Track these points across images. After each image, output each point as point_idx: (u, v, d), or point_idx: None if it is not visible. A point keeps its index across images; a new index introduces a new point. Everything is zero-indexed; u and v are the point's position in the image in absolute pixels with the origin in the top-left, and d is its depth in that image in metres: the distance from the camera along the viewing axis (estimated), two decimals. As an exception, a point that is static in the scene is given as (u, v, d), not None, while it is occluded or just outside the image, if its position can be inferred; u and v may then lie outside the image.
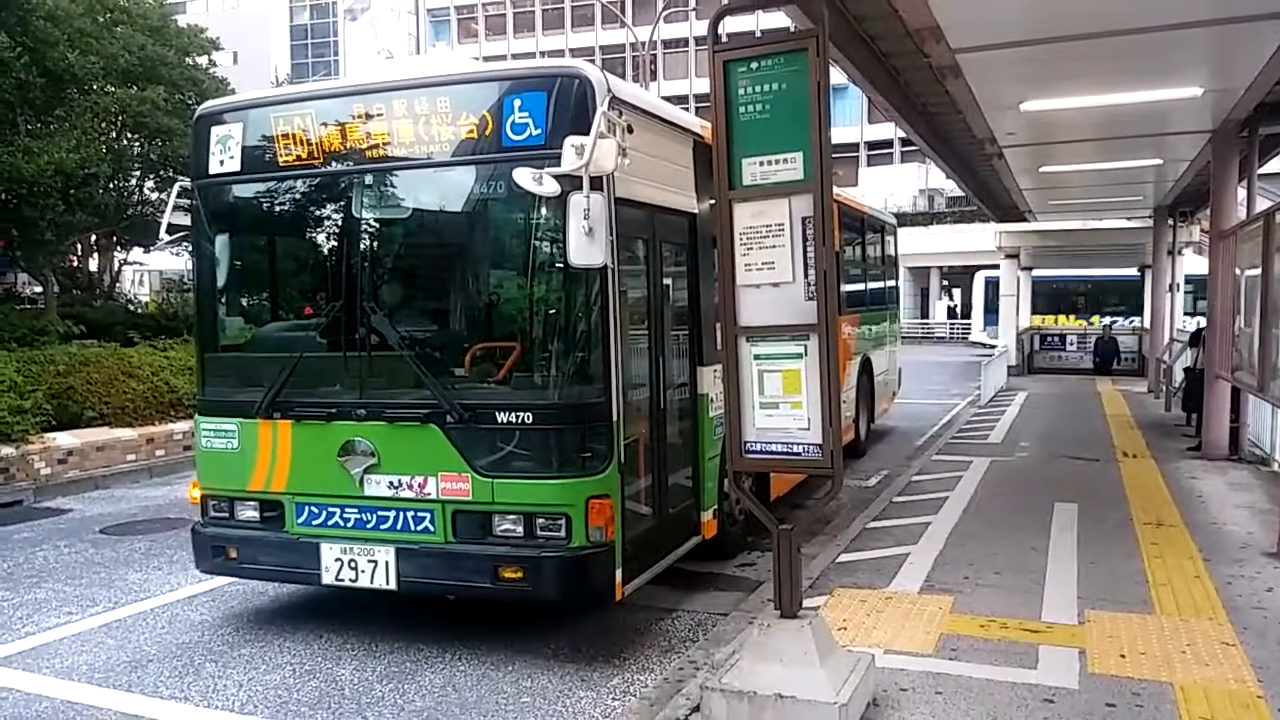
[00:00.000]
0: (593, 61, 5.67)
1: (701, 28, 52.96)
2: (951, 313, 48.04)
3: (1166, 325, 18.23)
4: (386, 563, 5.04)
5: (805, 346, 3.90)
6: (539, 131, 4.82)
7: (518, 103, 4.88)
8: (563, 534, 4.81)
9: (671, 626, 5.60)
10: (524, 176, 4.44)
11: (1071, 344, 23.17)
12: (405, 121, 5.11)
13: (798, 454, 3.98)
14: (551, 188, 4.45)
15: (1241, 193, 11.27)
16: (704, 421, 6.14)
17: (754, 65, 3.88)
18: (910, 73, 9.19)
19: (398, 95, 5.15)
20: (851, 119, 52.07)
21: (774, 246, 3.92)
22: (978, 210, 26.04)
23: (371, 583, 5.08)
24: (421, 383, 5.04)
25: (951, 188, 40.42)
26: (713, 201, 5.87)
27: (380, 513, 5.13)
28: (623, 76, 9.76)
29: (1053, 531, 7.06)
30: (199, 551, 5.68)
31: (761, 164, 3.92)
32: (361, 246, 5.35)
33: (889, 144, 53.34)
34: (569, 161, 4.36)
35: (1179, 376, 13.66)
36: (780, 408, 3.99)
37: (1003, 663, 4.56)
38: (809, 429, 3.93)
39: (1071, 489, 8.60)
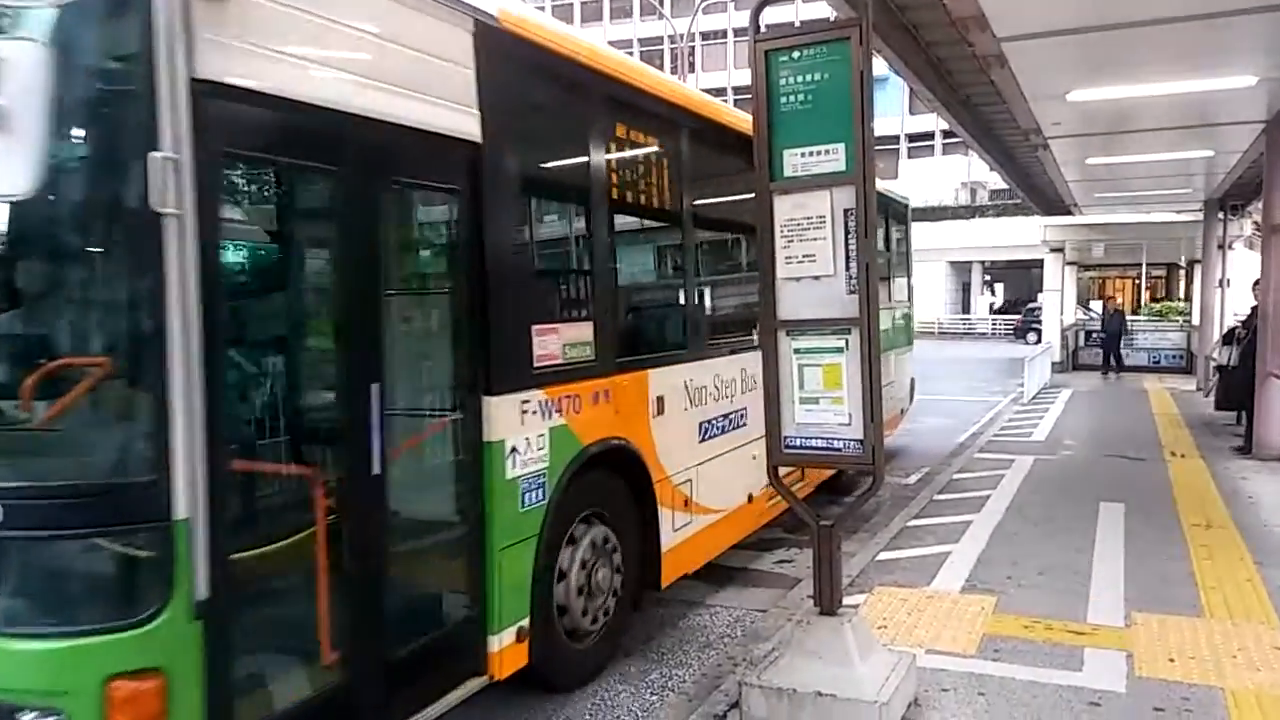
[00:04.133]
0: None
1: (740, 19, 52.65)
2: (994, 308, 47.41)
3: (1216, 321, 17.81)
4: None
5: (846, 340, 3.85)
6: None
7: None
8: None
9: (709, 622, 5.56)
10: None
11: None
12: None
13: (838, 449, 3.94)
14: None
15: (1297, 185, 10.94)
16: (494, 488, 3.83)
17: (796, 55, 3.83)
18: (953, 62, 9.03)
19: None
20: (892, 110, 51.48)
21: (815, 239, 3.87)
22: (1021, 203, 25.68)
23: None
24: None
25: (994, 180, 39.95)
26: (522, 128, 4.03)
27: None
28: (661, 68, 9.64)
29: (1098, 531, 6.92)
30: None
31: (803, 155, 3.87)
32: None
33: (930, 136, 52.70)
34: None
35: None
36: (820, 402, 3.95)
37: (1047, 664, 4.47)
38: (850, 424, 3.88)
39: (1117, 488, 8.43)
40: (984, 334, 42.90)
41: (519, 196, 4.21)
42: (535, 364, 4.11)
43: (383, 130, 3.37)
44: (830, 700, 3.67)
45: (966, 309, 47.42)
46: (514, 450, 3.95)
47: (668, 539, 5.19)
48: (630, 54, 5.37)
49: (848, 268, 3.82)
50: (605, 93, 4.85)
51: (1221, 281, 18.17)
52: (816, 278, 3.89)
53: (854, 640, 3.86)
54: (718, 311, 6.40)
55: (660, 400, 5.16)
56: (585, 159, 4.67)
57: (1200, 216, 19.58)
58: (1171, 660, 4.51)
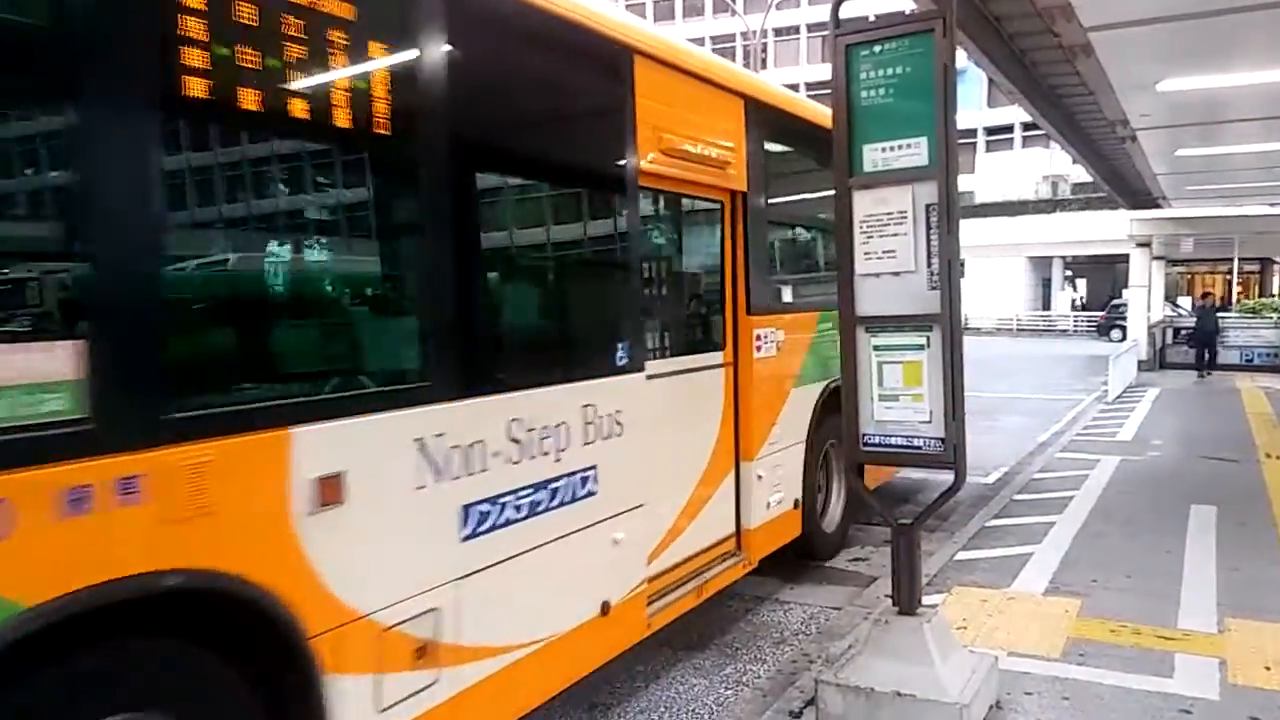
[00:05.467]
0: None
1: (812, 15, 52.23)
2: (1075, 305, 46.13)
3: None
4: None
5: (927, 338, 3.81)
6: None
7: None
8: None
9: (784, 618, 5.55)
10: None
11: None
12: None
13: (918, 447, 3.90)
14: None
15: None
16: None
17: (877, 49, 3.81)
18: (1037, 53, 8.83)
19: None
20: (970, 103, 50.38)
21: (895, 234, 3.84)
22: (1106, 196, 24.95)
23: None
24: None
25: (1077, 174, 38.81)
26: None
27: None
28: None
29: (1189, 535, 6.70)
30: None
31: (883, 150, 3.84)
32: None
33: (1009, 129, 51.43)
34: None
35: None
36: (900, 400, 3.91)
37: (1135, 670, 4.36)
38: (930, 422, 3.84)
39: (1209, 490, 8.14)
40: (1065, 331, 41.76)
41: None
42: None
43: None
44: (910, 700, 3.64)
45: (1047, 305, 46.21)
46: None
47: None
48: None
49: (929, 264, 3.77)
50: None
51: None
52: (896, 274, 3.86)
53: (934, 640, 3.81)
54: (524, 314, 3.98)
55: (332, 481, 2.72)
56: None
57: (1299, 209, 18.77)
58: (1268, 668, 4.35)
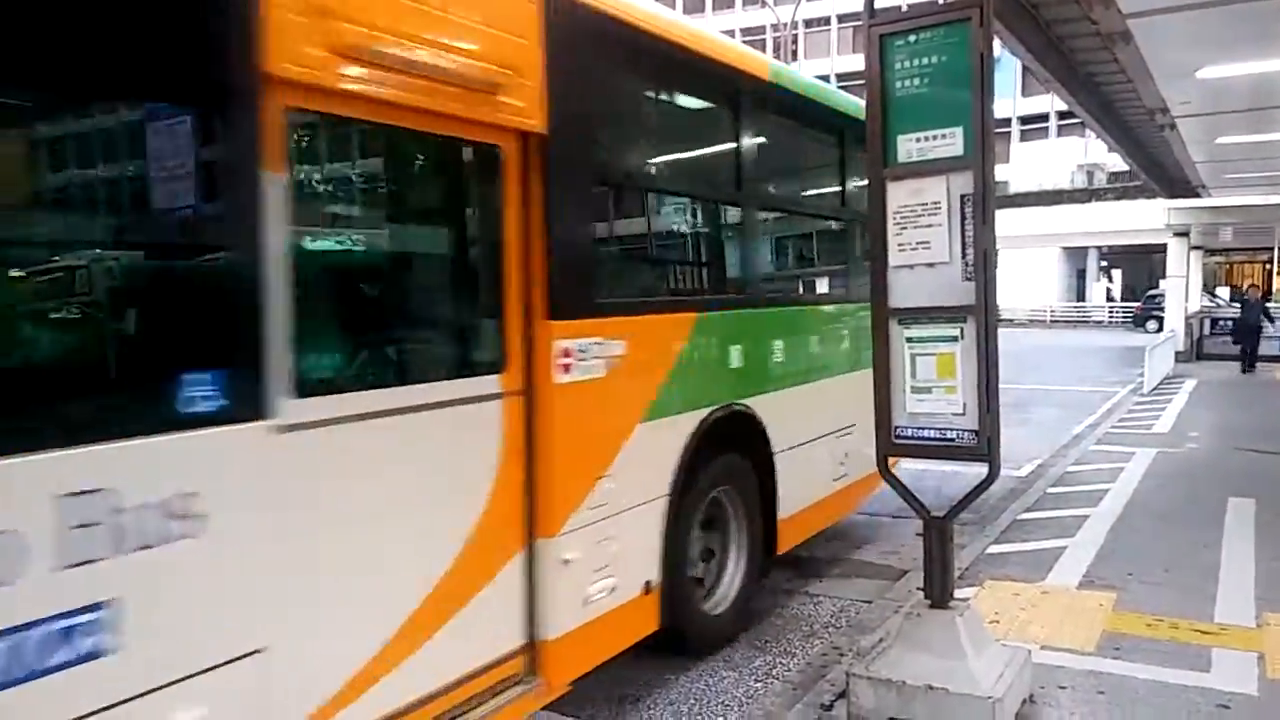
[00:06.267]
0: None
1: (844, 4, 51.79)
2: (1110, 295, 45.53)
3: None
4: None
5: (961, 329, 3.78)
6: None
7: None
8: None
9: (814, 611, 5.54)
10: None
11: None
12: None
13: (951, 440, 3.87)
14: None
15: None
16: None
17: (912, 39, 3.78)
18: (1074, 40, 8.72)
19: None
20: (1004, 91, 49.77)
21: (930, 226, 3.81)
22: (1142, 186, 24.59)
23: None
24: None
25: (1113, 162, 38.25)
26: None
27: None
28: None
29: (1227, 528, 6.60)
30: None
31: (918, 140, 3.80)
32: None
33: (1044, 117, 50.77)
34: None
35: None
36: (933, 392, 3.89)
37: (1172, 664, 4.32)
38: (964, 414, 3.81)
39: (1248, 483, 8.02)
40: (1100, 322, 41.25)
41: None
42: None
43: None
44: (942, 694, 3.62)
45: (1081, 296, 45.63)
46: None
47: None
48: (735, 40, 5.21)
49: (964, 254, 3.74)
50: None
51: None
52: (930, 265, 3.83)
53: (966, 634, 3.79)
54: None
55: None
56: None
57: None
58: (1309, 665, 4.30)
